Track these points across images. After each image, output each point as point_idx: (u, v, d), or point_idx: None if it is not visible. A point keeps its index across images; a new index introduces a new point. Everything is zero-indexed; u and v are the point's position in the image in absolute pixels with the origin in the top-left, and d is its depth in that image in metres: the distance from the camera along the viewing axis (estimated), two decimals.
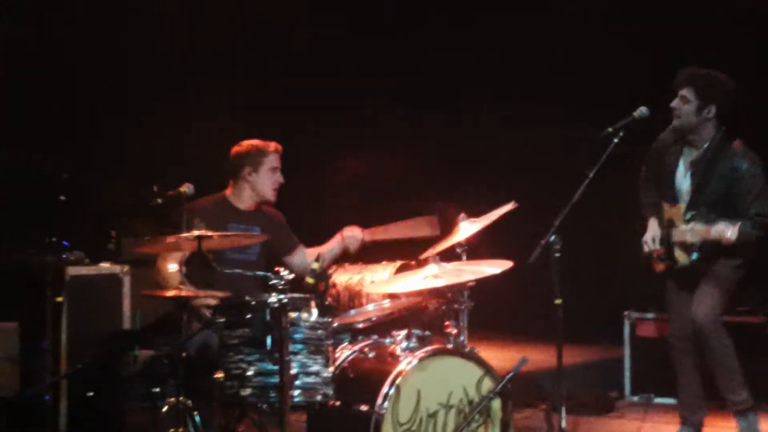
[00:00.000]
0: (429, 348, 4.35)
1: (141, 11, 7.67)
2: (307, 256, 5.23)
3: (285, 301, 3.93)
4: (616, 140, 4.90)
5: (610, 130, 4.93)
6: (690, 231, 4.96)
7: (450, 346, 4.46)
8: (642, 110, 5.01)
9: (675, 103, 5.13)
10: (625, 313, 6.70)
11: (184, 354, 4.35)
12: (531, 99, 8.31)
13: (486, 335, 6.63)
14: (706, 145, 5.12)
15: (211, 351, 4.53)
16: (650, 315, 6.65)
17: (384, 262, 6.37)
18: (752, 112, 5.26)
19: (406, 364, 4.23)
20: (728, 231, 4.83)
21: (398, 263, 6.31)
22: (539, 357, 7.18)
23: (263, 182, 5.10)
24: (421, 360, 4.24)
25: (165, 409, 4.33)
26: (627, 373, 6.68)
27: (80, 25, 7.41)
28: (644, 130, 5.11)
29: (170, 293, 4.37)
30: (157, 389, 4.31)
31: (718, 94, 5.08)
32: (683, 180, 5.20)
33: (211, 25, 8.15)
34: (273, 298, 3.95)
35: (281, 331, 3.91)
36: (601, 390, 6.68)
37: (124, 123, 7.55)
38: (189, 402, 4.30)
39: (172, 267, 4.65)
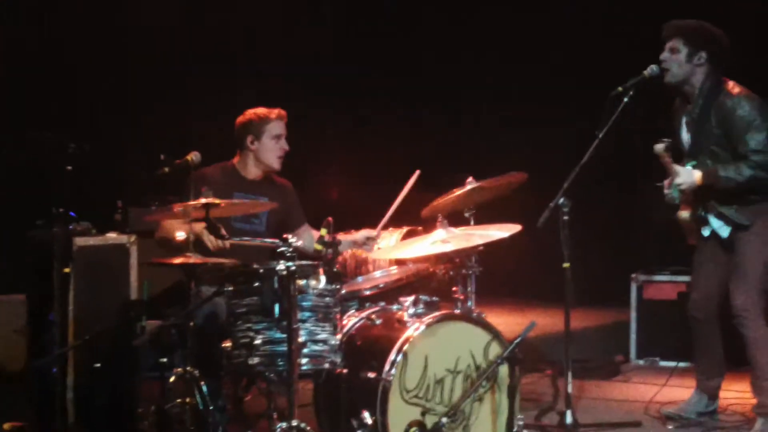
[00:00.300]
0: (436, 313, 4.33)
1: (140, 11, 7.65)
2: (313, 238, 5.18)
3: (293, 268, 3.90)
4: (626, 100, 4.84)
5: (620, 89, 4.86)
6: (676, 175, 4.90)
7: (457, 311, 4.44)
8: (653, 68, 4.94)
9: (664, 55, 4.99)
10: (633, 275, 6.68)
11: (192, 323, 4.33)
12: (531, 99, 8.30)
13: (494, 300, 6.63)
14: (697, 93, 5.00)
15: (219, 320, 4.52)
16: (658, 278, 6.64)
17: (390, 229, 6.35)
18: None
19: (413, 330, 4.21)
20: (693, 175, 4.83)
21: (405, 229, 6.29)
22: (546, 321, 7.17)
23: (266, 150, 5.04)
24: (428, 326, 4.23)
25: (172, 379, 4.32)
26: (633, 337, 6.68)
27: (79, 25, 7.40)
28: None
29: (178, 260, 4.34)
30: (165, 360, 4.29)
31: (708, 41, 4.96)
32: (686, 135, 5.10)
33: (210, 25, 8.14)
34: (281, 266, 3.92)
35: (290, 298, 3.89)
36: (608, 354, 6.70)
37: (124, 123, 7.55)
38: (196, 372, 4.30)
39: (180, 234, 4.62)
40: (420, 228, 6.29)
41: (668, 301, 6.56)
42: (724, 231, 4.98)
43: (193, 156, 4.70)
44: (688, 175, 4.87)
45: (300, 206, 5.28)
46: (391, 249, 4.85)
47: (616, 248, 7.86)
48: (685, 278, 6.48)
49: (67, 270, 4.65)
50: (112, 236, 4.91)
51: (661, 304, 6.59)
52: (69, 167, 4.68)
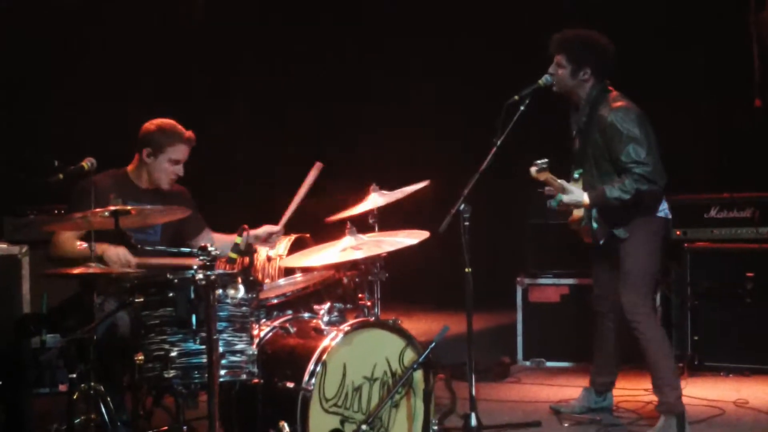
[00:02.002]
0: (354, 321, 4.29)
1: None
2: (214, 242, 5.03)
3: (213, 277, 3.78)
4: (522, 108, 4.94)
5: (516, 98, 4.96)
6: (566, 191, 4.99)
7: (372, 318, 4.41)
8: (547, 78, 5.07)
9: (551, 69, 5.13)
10: (518, 279, 6.81)
11: (95, 337, 4.14)
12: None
13: (392, 305, 6.64)
14: (584, 103, 5.13)
15: (122, 333, 4.35)
16: (542, 281, 6.79)
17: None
18: None
19: (330, 339, 4.15)
20: (582, 197, 4.94)
21: (293, 236, 6.23)
22: (433, 325, 7.25)
23: (159, 170, 4.82)
24: (346, 334, 4.18)
25: (75, 395, 4.12)
26: (519, 339, 6.81)
27: None
28: None
29: (77, 271, 4.13)
30: (73, 375, 4.08)
31: (591, 55, 5.09)
32: (576, 142, 5.24)
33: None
34: (200, 275, 3.79)
35: (209, 308, 3.77)
36: (494, 356, 6.80)
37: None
38: (101, 387, 4.12)
39: (80, 244, 4.39)
40: (308, 235, 6.25)
41: (552, 303, 6.73)
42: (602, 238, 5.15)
43: (88, 162, 4.48)
44: (578, 195, 4.97)
45: (198, 212, 5.12)
46: (301, 256, 4.75)
47: (496, 252, 8.02)
48: (568, 281, 6.71)
49: None
50: (1, 247, 4.63)
51: (545, 307, 6.75)
52: None
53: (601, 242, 5.10)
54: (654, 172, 4.89)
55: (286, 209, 5.00)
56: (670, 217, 5.21)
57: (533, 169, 4.88)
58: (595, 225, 5.08)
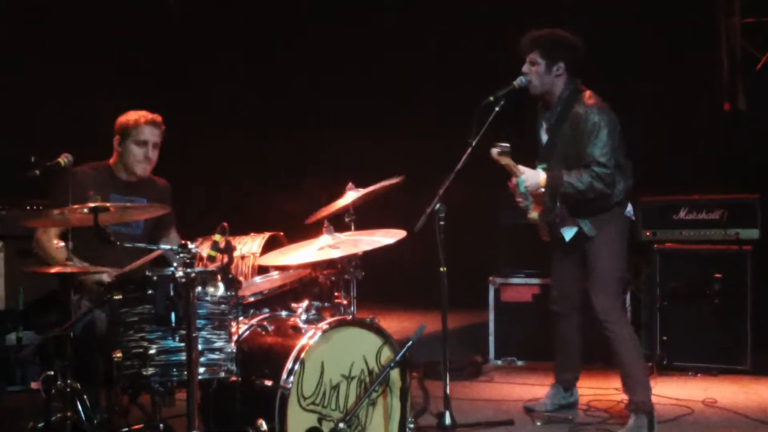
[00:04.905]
0: (332, 319, 4.31)
1: None
2: (171, 242, 5.04)
3: (193, 275, 3.79)
4: (497, 109, 4.98)
5: (491, 98, 5.01)
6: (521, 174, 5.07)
7: (350, 317, 4.43)
8: (522, 79, 5.13)
9: (525, 68, 5.18)
10: (490, 278, 6.86)
11: (72, 335, 4.13)
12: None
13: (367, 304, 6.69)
14: (557, 100, 5.19)
15: (98, 331, 4.34)
16: (514, 280, 6.85)
17: (252, 234, 6.28)
18: None
19: (308, 338, 4.17)
20: (539, 176, 5.03)
21: (267, 234, 6.24)
22: (406, 324, 7.28)
23: (128, 154, 4.86)
24: (324, 332, 4.20)
25: (53, 392, 4.11)
26: (491, 338, 6.86)
27: None
28: None
29: (54, 270, 4.14)
30: (50, 372, 4.07)
31: (564, 50, 5.16)
32: (544, 138, 5.30)
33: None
34: (180, 272, 3.80)
35: (188, 306, 3.78)
36: (466, 355, 6.85)
37: None
38: (77, 385, 4.11)
39: (57, 243, 4.38)
40: (281, 234, 6.26)
41: (524, 302, 6.79)
42: (567, 235, 5.22)
43: (65, 158, 4.48)
44: (534, 176, 5.08)
45: (171, 209, 5.12)
46: (279, 254, 4.76)
47: (470, 252, 8.05)
48: (540, 281, 6.77)
49: None
50: None
51: (517, 306, 6.81)
52: None
53: (567, 238, 5.17)
54: (609, 176, 5.00)
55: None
56: (633, 218, 5.31)
57: (495, 150, 4.98)
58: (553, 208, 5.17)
